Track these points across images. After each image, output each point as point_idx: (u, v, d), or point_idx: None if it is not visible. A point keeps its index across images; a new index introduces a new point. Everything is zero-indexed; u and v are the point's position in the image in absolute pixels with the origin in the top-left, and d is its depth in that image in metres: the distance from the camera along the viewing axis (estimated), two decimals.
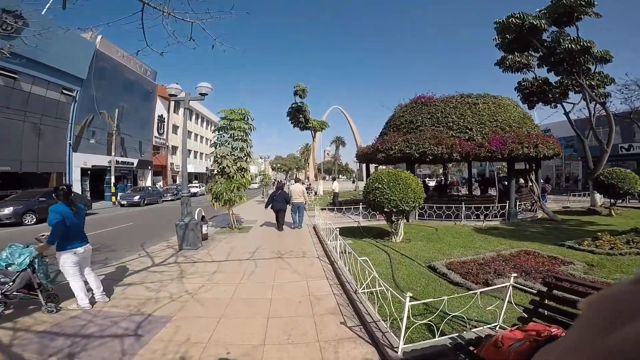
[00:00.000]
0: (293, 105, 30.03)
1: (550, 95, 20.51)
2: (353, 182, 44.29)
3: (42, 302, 4.35)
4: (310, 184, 33.02)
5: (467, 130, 11.31)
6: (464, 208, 11.29)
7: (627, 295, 0.31)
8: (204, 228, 9.08)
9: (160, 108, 39.37)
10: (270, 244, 8.58)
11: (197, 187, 33.03)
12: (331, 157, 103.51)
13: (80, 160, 25.08)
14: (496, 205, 11.78)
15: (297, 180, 14.53)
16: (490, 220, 11.43)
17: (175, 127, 43.63)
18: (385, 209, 7.58)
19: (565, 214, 14.05)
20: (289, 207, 10.90)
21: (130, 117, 31.37)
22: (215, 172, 10.66)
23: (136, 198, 23.25)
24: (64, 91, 23.84)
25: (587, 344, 0.32)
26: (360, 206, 11.40)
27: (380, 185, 7.52)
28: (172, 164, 42.42)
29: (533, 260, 6.41)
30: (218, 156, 10.56)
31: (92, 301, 4.73)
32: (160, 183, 38.69)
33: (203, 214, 9.40)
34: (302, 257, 7.20)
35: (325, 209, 15.63)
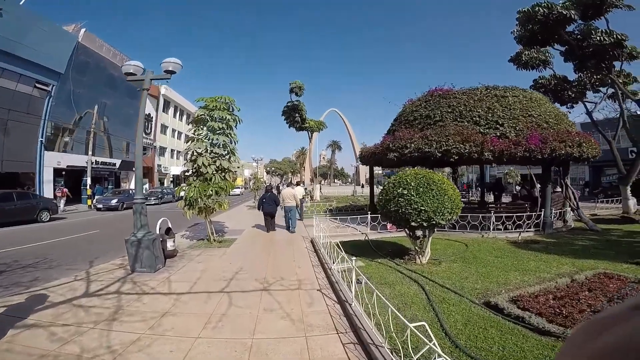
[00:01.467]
0: (288, 104, 28.03)
1: (569, 94, 19.07)
2: (362, 186, 41.54)
3: None
4: (306, 188, 30.93)
5: (498, 126, 9.38)
6: (493, 218, 9.33)
7: (613, 316, 0.32)
8: (170, 243, 6.99)
9: (148, 107, 37.13)
10: (256, 266, 6.49)
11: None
12: (327, 161, 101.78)
13: (54, 160, 22.81)
14: (529, 214, 9.86)
15: (289, 185, 13.04)
16: (522, 232, 9.50)
17: (164, 127, 41.40)
18: (413, 223, 5.55)
19: (599, 222, 12.21)
20: (280, 211, 10.75)
21: (114, 115, 29.34)
22: (189, 172, 8.60)
23: (114, 202, 20.99)
24: (38, 85, 21.72)
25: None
26: (369, 216, 9.35)
27: (405, 192, 5.51)
28: (159, 165, 40.06)
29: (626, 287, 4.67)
30: (193, 153, 8.51)
31: None
32: (147, 185, 36.35)
33: (169, 225, 7.31)
34: (297, 288, 5.12)
35: (325, 217, 13.63)
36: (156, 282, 5.58)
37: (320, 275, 5.73)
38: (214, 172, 8.25)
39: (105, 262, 7.00)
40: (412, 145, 9.29)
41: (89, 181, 22.83)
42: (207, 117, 8.83)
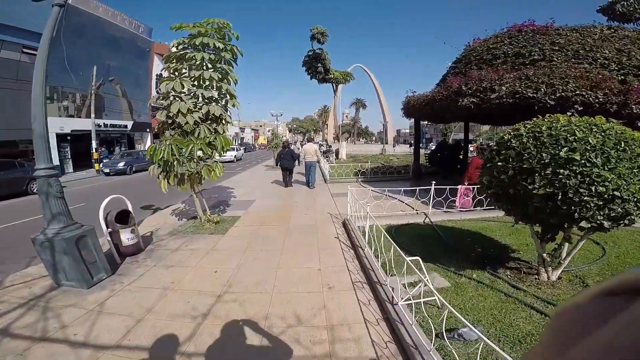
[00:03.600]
0: (310, 53, 24.19)
1: None
2: (393, 146, 36.46)
3: None
4: (330, 146, 27.89)
5: None
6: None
7: (589, 307, 0.29)
8: (127, 235, 4.48)
9: (159, 66, 34.61)
10: (255, 280, 3.85)
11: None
12: (350, 119, 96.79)
13: (56, 126, 21.13)
14: None
15: (309, 140, 12.88)
16: None
17: None
18: (584, 222, 2.58)
19: None
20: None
21: (122, 77, 27.40)
22: (161, 125, 5.90)
23: (121, 165, 19.23)
24: (25, 50, 19.76)
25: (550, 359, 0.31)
26: (433, 187, 6.28)
27: (577, 157, 2.46)
28: None
29: None
30: (167, 96, 5.73)
31: None
32: None
33: (128, 206, 4.78)
34: (327, 356, 2.48)
35: (357, 182, 10.78)
36: (78, 313, 3.15)
37: (372, 314, 2.98)
38: (198, 122, 5.49)
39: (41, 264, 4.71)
40: (504, 88, 6.07)
41: (94, 144, 21.09)
42: (191, 47, 5.91)
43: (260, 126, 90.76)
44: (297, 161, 10.93)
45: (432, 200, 6.24)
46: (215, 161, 5.90)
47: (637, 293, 0.25)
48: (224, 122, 5.94)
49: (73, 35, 22.46)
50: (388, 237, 3.30)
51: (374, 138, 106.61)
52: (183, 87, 5.62)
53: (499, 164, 2.99)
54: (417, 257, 2.67)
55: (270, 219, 6.71)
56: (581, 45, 6.73)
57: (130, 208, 4.77)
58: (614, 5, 14.69)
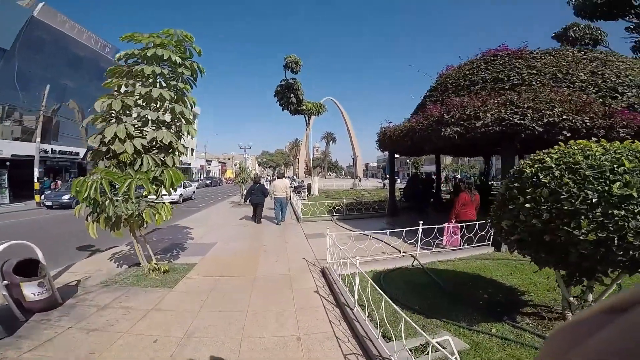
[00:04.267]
0: (282, 82, 24.24)
1: None
2: (384, 178, 35.94)
3: None
4: (302, 181, 27.22)
5: (617, 95, 6.24)
6: None
7: (587, 323, 0.29)
8: (33, 290, 3.32)
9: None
10: (211, 346, 2.85)
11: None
12: (320, 153, 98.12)
13: None
14: None
15: (279, 176, 12.98)
16: None
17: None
18: None
19: None
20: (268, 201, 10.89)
21: (79, 100, 25.24)
22: (94, 153, 4.95)
23: (65, 198, 16.99)
24: None
25: None
26: (420, 227, 5.63)
27: (636, 195, 1.95)
28: None
29: None
30: (106, 118, 4.84)
31: None
32: None
33: (38, 255, 3.64)
34: None
35: (332, 221, 10.08)
36: None
37: None
38: (141, 151, 4.55)
39: None
40: (489, 115, 5.84)
41: (36, 173, 18.85)
42: (141, 58, 5.14)
43: (229, 159, 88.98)
44: (266, 197, 10.73)
45: (421, 242, 5.59)
46: (161, 201, 4.87)
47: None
48: (175, 152, 5.03)
49: (30, 50, 21.15)
50: (392, 303, 2.54)
51: (343, 172, 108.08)
52: (130, 107, 4.75)
53: (527, 205, 2.40)
54: (448, 337, 1.91)
55: (233, 267, 5.63)
56: (557, 69, 6.82)
57: (40, 257, 3.62)
58: (567, 31, 16.52)
